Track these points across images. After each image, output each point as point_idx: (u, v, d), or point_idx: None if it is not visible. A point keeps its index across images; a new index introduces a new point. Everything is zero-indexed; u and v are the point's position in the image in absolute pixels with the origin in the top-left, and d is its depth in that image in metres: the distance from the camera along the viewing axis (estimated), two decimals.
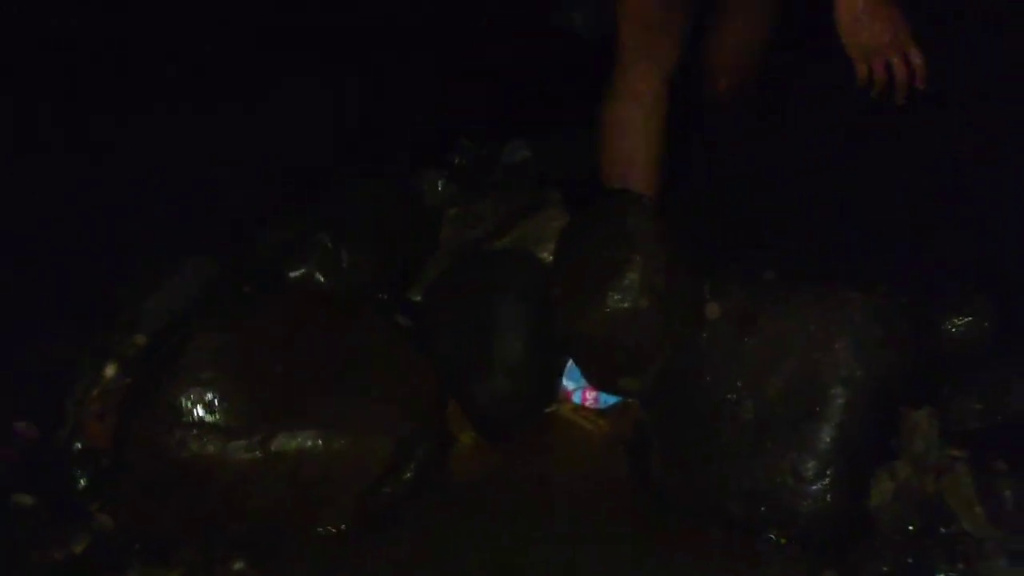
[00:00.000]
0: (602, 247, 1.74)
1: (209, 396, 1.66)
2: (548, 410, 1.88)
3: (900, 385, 1.69)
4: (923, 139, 2.04)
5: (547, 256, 1.92)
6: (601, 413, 1.87)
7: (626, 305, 1.69)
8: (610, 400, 1.86)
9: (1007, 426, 1.68)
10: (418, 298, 2.00)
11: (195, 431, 1.65)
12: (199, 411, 1.66)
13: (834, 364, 1.68)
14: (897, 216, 1.97)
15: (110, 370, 1.82)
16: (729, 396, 1.73)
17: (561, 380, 1.87)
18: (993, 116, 2.06)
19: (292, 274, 1.88)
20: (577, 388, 1.87)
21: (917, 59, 1.53)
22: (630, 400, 1.85)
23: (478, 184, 2.34)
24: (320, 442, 1.68)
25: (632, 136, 1.91)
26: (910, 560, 1.58)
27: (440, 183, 2.28)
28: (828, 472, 1.66)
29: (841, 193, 2.02)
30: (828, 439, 1.66)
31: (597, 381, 1.82)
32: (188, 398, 1.66)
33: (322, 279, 1.88)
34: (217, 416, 1.66)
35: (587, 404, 1.87)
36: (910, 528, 1.64)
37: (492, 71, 2.71)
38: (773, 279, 1.80)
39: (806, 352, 1.70)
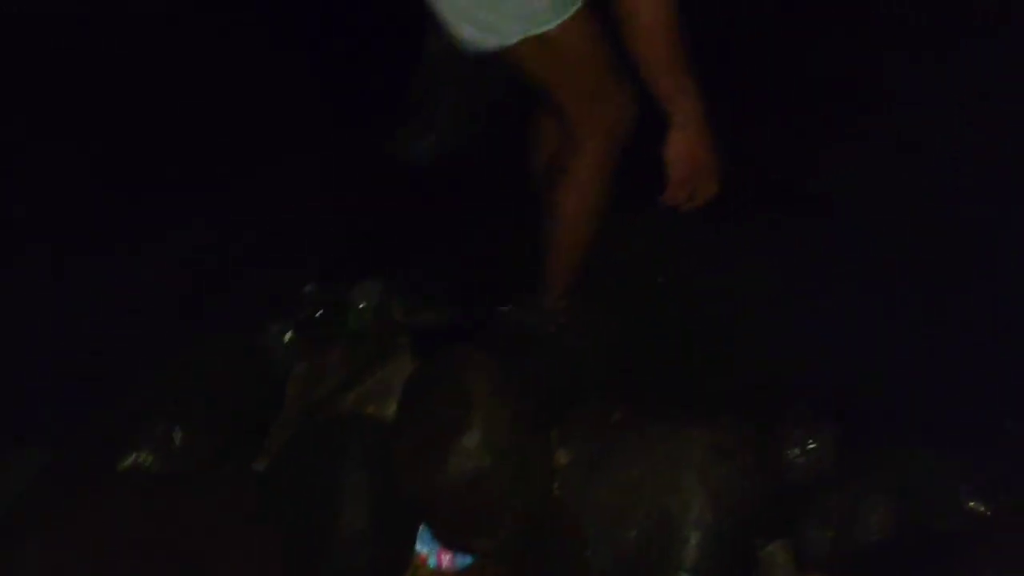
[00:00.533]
0: (441, 407, 1.70)
1: None
2: None
3: (753, 519, 1.68)
4: (752, 263, 2.08)
5: (392, 412, 1.87)
6: (459, 574, 1.81)
7: (469, 467, 1.65)
8: (467, 559, 1.80)
9: (859, 550, 1.67)
10: (264, 467, 1.92)
11: None
12: None
13: (685, 506, 1.66)
14: (735, 343, 1.98)
15: None
16: (585, 546, 1.70)
17: (414, 545, 1.80)
18: (828, 239, 2.12)
19: (124, 460, 1.78)
20: (431, 551, 1.80)
21: (713, 191, 1.75)
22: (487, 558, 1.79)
23: (326, 334, 2.29)
24: None
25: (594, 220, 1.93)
26: None
27: (286, 337, 2.22)
28: None
29: (678, 323, 2.03)
30: None
31: (450, 543, 1.76)
32: None
33: (156, 465, 1.79)
34: None
35: (444, 567, 1.80)
36: None
37: (335, 208, 2.65)
38: (620, 420, 1.79)
39: (657, 496, 1.69)
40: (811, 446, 1.73)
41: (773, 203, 2.27)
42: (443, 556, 1.80)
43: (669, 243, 2.16)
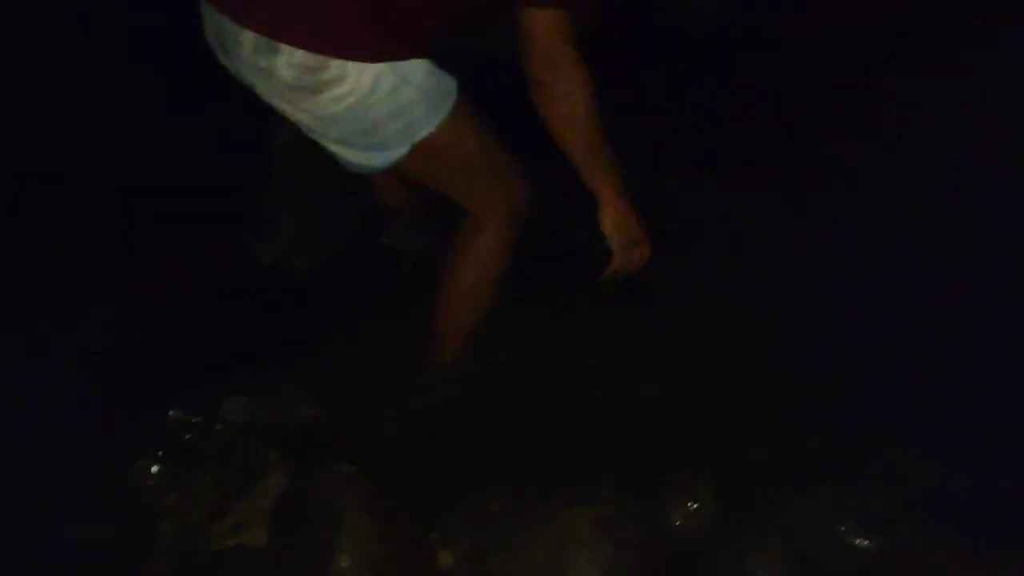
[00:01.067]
0: (311, 529, 1.63)
1: None
2: None
3: None
4: (616, 341, 2.09)
5: (263, 540, 1.79)
6: None
7: None
8: None
9: None
10: None
11: None
12: None
13: None
14: (606, 415, 1.97)
15: None
16: None
17: None
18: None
19: None
20: None
21: (647, 254, 1.87)
22: None
23: (196, 458, 2.19)
24: None
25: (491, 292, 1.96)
26: None
27: (153, 470, 2.12)
28: None
29: (547, 403, 2.01)
30: None
31: None
32: None
33: None
34: None
35: None
36: None
37: (191, 323, 2.55)
38: (499, 509, 1.74)
39: None
40: (693, 507, 1.71)
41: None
42: None
43: (534, 324, 2.16)
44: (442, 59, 1.76)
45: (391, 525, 1.64)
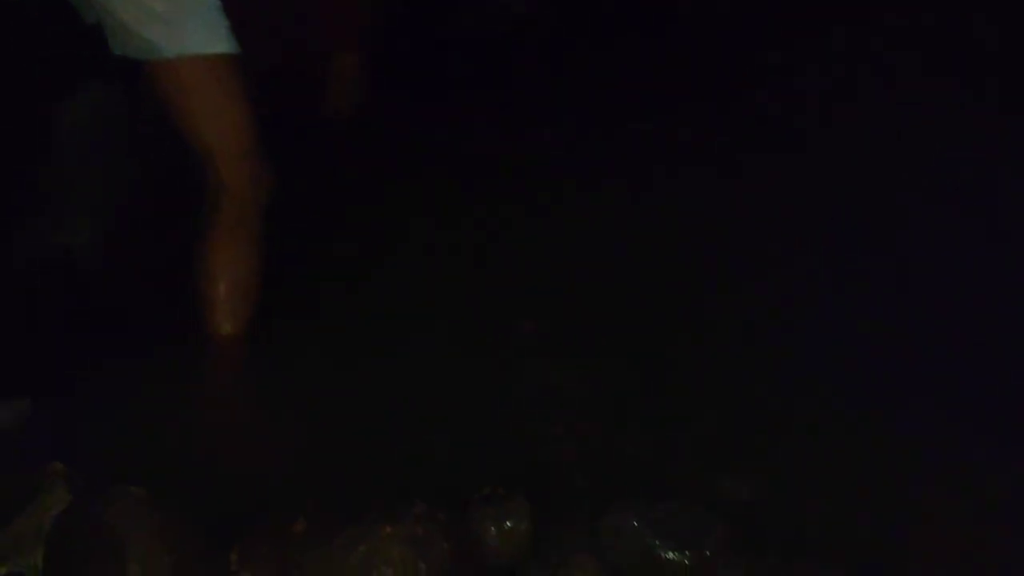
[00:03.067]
0: (90, 558, 1.48)
1: None
2: None
3: None
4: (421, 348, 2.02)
5: (41, 565, 1.62)
6: None
7: None
8: None
9: None
10: None
11: None
12: None
13: None
14: (415, 429, 1.90)
15: None
16: None
17: None
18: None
19: None
20: None
21: None
22: None
23: None
24: None
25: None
26: None
27: None
28: None
29: (353, 413, 1.93)
30: None
31: None
32: None
33: None
34: None
35: None
36: None
37: None
38: (304, 529, 1.63)
39: None
40: (508, 524, 1.66)
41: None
42: None
43: (343, 329, 2.08)
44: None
45: (184, 552, 1.51)
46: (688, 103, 2.80)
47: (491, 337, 2.11)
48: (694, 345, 2.15)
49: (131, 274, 2.43)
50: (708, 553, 1.66)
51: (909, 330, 2.07)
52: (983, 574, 1.59)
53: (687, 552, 1.68)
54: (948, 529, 1.66)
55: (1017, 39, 2.63)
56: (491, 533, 1.66)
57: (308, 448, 1.85)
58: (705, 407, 1.99)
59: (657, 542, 1.68)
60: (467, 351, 2.07)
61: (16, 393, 2.14)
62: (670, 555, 1.68)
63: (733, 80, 2.90)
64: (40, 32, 2.60)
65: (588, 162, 2.67)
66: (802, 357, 2.05)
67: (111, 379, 2.10)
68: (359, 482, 1.75)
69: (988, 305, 2.11)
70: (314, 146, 2.64)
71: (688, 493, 1.74)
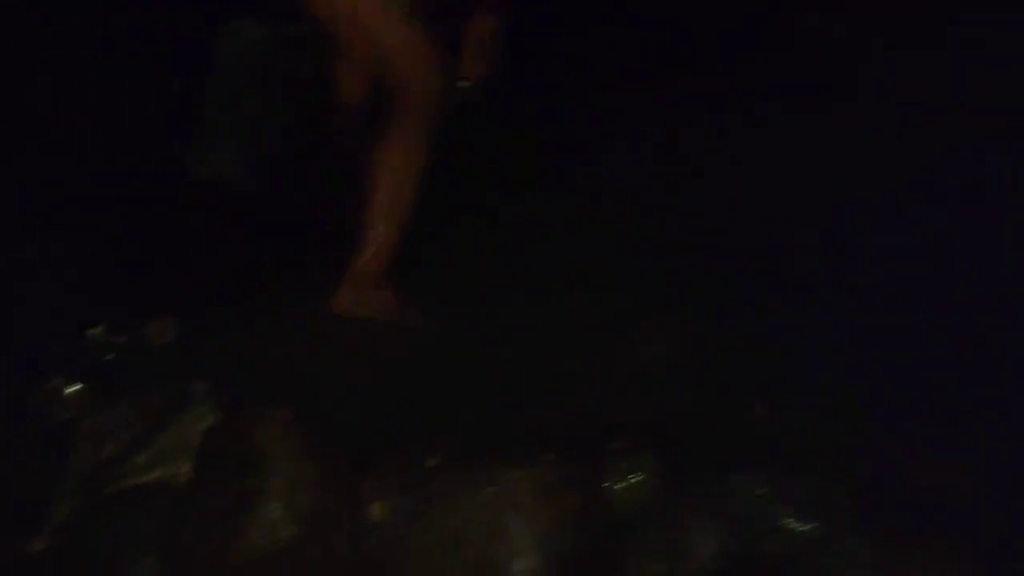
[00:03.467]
0: (237, 474, 1.55)
1: None
2: None
3: (582, 560, 1.62)
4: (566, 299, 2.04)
5: (186, 475, 1.70)
6: None
7: (269, 540, 1.50)
8: None
9: None
10: (41, 547, 1.71)
11: None
12: None
13: (511, 554, 1.58)
14: (553, 378, 1.92)
15: None
16: None
17: None
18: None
19: None
20: None
21: None
22: None
23: (116, 381, 2.08)
24: None
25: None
26: None
27: (67, 391, 2.01)
28: None
29: (491, 360, 1.95)
30: None
31: None
32: None
33: None
34: None
35: None
36: None
37: (121, 238, 2.44)
38: (437, 465, 1.68)
39: (482, 544, 1.59)
40: (635, 479, 1.67)
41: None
42: None
43: (492, 283, 2.11)
44: None
45: (322, 474, 1.56)
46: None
47: (624, 300, 2.10)
48: (822, 319, 2.10)
49: (277, 203, 2.51)
50: (834, 524, 1.65)
51: None
52: None
53: (812, 524, 1.67)
54: None
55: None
56: (618, 486, 1.67)
57: (445, 388, 1.89)
58: (836, 382, 1.96)
59: (784, 510, 1.67)
60: (602, 312, 2.06)
61: (165, 312, 2.24)
62: (796, 524, 1.67)
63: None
64: None
65: None
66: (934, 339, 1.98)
67: (257, 302, 2.19)
68: (492, 428, 1.78)
69: None
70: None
71: (816, 465, 1.72)
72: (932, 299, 2.04)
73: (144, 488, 1.68)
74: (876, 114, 2.45)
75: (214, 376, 1.96)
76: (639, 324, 2.03)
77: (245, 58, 2.75)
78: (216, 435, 1.66)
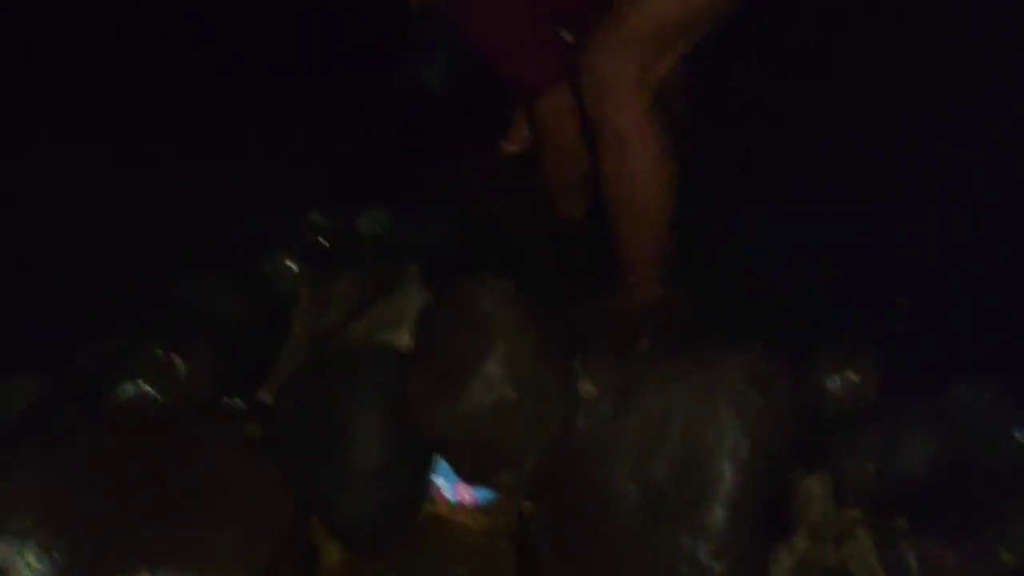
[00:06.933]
0: (461, 335, 1.60)
1: (27, 551, 1.45)
2: (422, 512, 1.72)
3: (789, 451, 1.60)
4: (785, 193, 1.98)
5: (407, 341, 1.77)
6: (480, 509, 1.72)
7: (489, 400, 1.55)
8: (488, 494, 1.72)
9: (903, 484, 1.59)
10: (271, 400, 1.82)
11: None
12: (17, 567, 1.45)
13: (719, 437, 1.57)
14: (768, 269, 1.88)
15: None
16: (614, 481, 1.61)
17: (432, 478, 1.71)
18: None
19: (120, 392, 1.67)
20: (450, 485, 1.71)
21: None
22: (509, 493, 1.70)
23: (332, 262, 2.18)
24: None
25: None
26: None
27: (290, 265, 2.12)
28: (725, 555, 1.55)
29: (707, 250, 1.94)
30: (722, 520, 1.55)
31: (469, 478, 1.67)
32: (2, 553, 1.45)
33: (156, 394, 1.69)
34: (39, 571, 1.45)
35: (463, 501, 1.72)
36: None
37: (339, 134, 2.57)
38: (647, 350, 1.69)
39: (689, 427, 1.59)
40: (851, 375, 1.64)
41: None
42: (462, 491, 1.71)
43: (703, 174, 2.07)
44: None
45: (539, 344, 1.60)
46: None
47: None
48: None
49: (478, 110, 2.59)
50: None
51: None
52: None
53: None
54: None
55: None
56: (834, 382, 1.64)
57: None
58: None
59: (1006, 420, 1.61)
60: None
61: (379, 203, 2.34)
62: (1018, 435, 1.60)
63: None
64: None
65: None
66: None
67: (464, 199, 2.26)
68: (704, 317, 1.77)
69: None
70: None
71: None
72: None
73: (368, 347, 1.75)
74: None
75: (426, 261, 2.03)
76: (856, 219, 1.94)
77: None
78: (440, 301, 1.71)
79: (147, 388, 1.68)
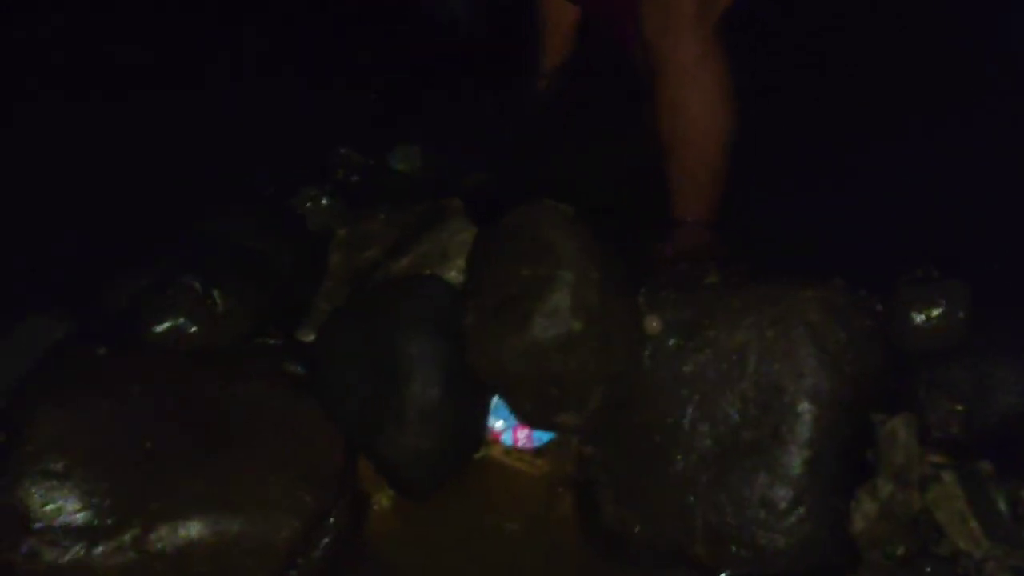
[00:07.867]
0: (520, 265, 1.49)
1: (63, 491, 1.36)
2: (476, 456, 1.63)
3: (871, 391, 1.50)
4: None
5: (455, 276, 1.66)
6: (537, 452, 1.63)
7: (556, 332, 1.44)
8: (545, 437, 1.62)
9: (993, 427, 1.50)
10: (311, 338, 1.71)
11: (49, 537, 1.34)
12: (52, 511, 1.35)
13: (796, 375, 1.48)
14: (847, 199, 1.78)
15: None
16: (683, 421, 1.52)
17: (488, 420, 1.62)
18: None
19: (156, 328, 1.57)
20: (507, 427, 1.62)
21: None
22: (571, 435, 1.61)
23: (367, 198, 2.07)
24: (209, 530, 1.40)
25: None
26: None
27: (323, 202, 2.01)
28: (803, 500, 1.46)
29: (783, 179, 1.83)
30: (799, 462, 1.46)
31: (529, 419, 1.57)
32: (36, 497, 1.36)
33: (193, 330, 1.58)
34: (76, 515, 1.36)
35: (520, 444, 1.62)
36: (900, 552, 1.45)
37: (368, 69, 2.49)
38: (716, 282, 1.58)
39: (763, 363, 1.50)
40: (938, 310, 1.53)
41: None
42: (519, 433, 1.62)
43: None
44: None
45: (606, 275, 1.49)
46: None
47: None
48: None
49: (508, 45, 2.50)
50: None
51: None
52: None
53: None
54: None
55: None
56: (918, 317, 1.54)
57: (725, 210, 1.79)
58: None
59: None
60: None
61: (410, 141, 2.24)
62: None
63: None
64: None
65: None
66: None
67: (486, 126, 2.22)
68: (777, 251, 1.67)
69: None
70: None
71: None
72: None
73: (417, 279, 1.64)
74: None
75: (465, 196, 1.93)
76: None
77: None
78: (490, 231, 1.61)
79: (185, 324, 1.57)
